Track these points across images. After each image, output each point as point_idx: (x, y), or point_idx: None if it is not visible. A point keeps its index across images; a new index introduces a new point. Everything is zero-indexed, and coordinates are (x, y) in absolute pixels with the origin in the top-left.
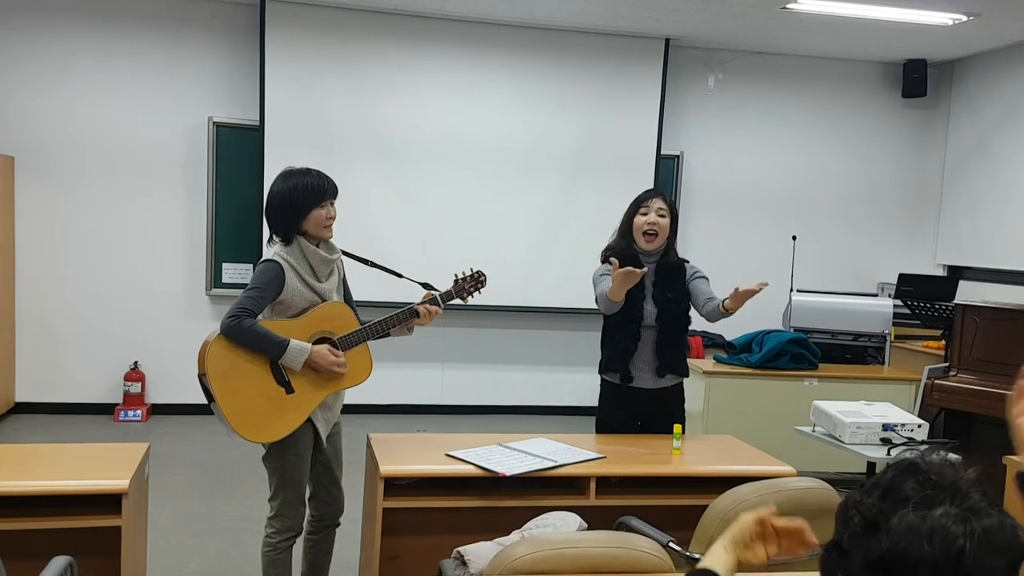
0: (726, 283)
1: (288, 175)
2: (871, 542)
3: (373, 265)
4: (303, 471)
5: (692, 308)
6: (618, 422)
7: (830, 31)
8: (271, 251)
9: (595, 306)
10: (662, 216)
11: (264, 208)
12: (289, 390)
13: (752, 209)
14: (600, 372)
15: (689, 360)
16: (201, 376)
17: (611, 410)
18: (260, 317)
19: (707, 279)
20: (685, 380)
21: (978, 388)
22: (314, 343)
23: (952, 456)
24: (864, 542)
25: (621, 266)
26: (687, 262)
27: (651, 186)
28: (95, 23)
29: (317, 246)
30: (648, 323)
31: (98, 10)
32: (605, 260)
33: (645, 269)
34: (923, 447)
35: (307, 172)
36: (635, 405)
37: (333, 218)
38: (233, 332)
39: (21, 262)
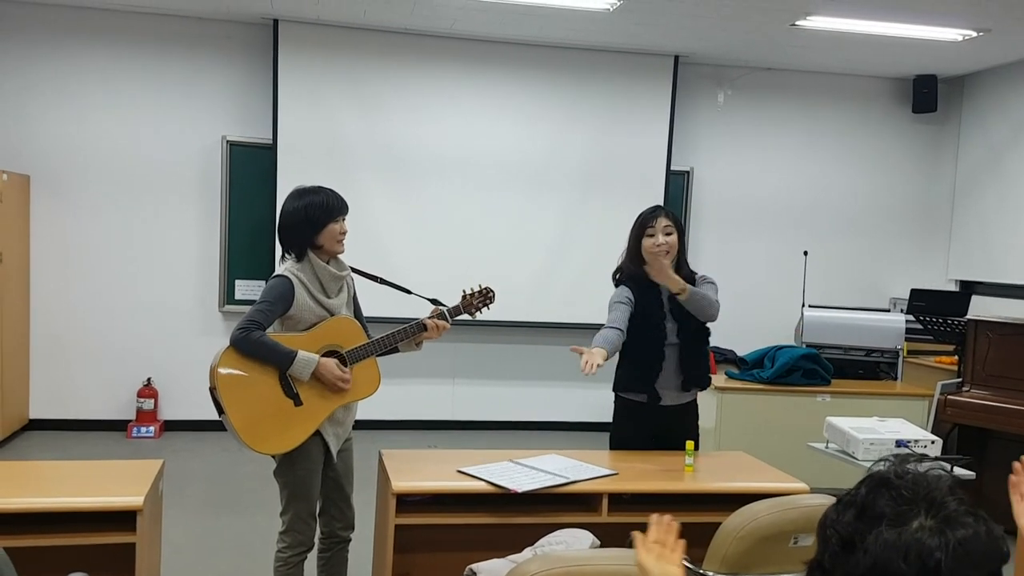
0: (737, 298)
1: (302, 193)
2: (850, 561)
3: (382, 282)
4: (314, 485)
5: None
6: (635, 440)
7: (839, 47)
8: (283, 267)
9: (604, 322)
10: (669, 234)
11: (277, 226)
12: (298, 403)
13: (763, 225)
14: (617, 390)
15: None
16: (212, 390)
17: (627, 427)
18: (270, 331)
19: (714, 284)
20: (698, 396)
21: (992, 404)
22: (323, 356)
23: (961, 470)
24: (844, 562)
25: (635, 286)
26: (697, 274)
27: (660, 201)
28: (110, 43)
29: (327, 263)
30: (671, 341)
31: (112, 31)
32: (618, 283)
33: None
34: (896, 459)
35: (319, 190)
36: (651, 422)
37: (345, 233)
38: (241, 343)
39: (36, 279)
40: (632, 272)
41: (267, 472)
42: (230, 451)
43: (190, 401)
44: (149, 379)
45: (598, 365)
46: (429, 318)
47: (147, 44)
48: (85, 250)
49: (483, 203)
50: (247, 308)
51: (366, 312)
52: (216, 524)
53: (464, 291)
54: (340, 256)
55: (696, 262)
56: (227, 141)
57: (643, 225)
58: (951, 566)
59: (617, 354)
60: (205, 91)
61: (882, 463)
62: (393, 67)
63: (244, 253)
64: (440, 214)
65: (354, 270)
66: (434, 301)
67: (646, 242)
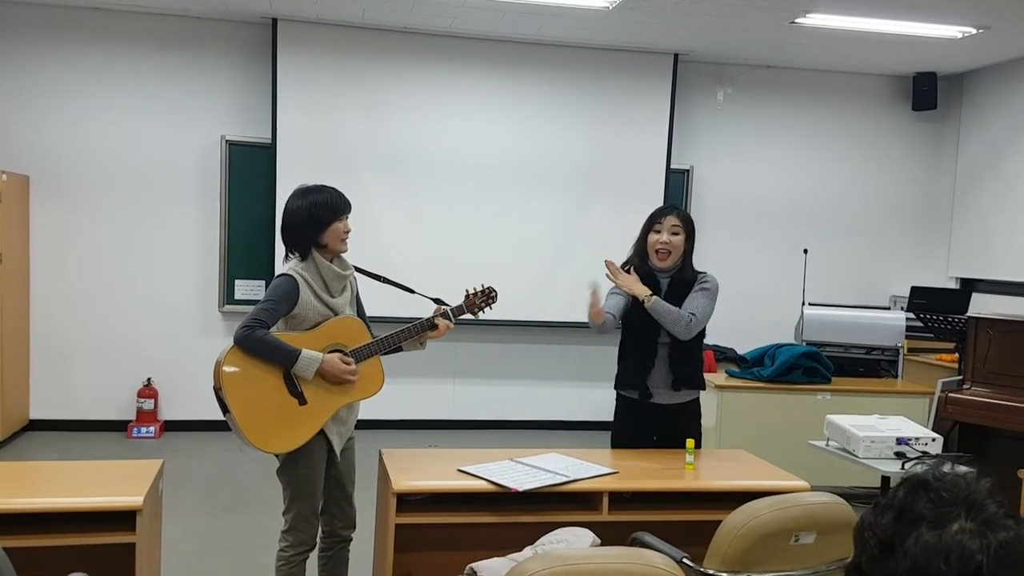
0: (737, 296)
1: (305, 192)
2: (889, 564)
3: (385, 281)
4: (317, 484)
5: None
6: (633, 437)
7: (839, 45)
8: (287, 266)
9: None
10: (675, 234)
11: (281, 226)
12: (302, 401)
13: (763, 223)
14: (616, 387)
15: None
16: (217, 390)
17: (626, 425)
18: (274, 330)
19: (709, 290)
20: (700, 395)
21: (992, 401)
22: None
23: (963, 468)
24: (882, 564)
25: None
26: (700, 275)
27: (661, 200)
28: (109, 43)
29: (331, 262)
30: (663, 339)
31: (111, 30)
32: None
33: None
34: (933, 461)
35: (323, 189)
36: (651, 420)
37: (349, 231)
38: (245, 342)
39: (36, 280)
40: (635, 268)
41: (267, 472)
42: (230, 451)
43: (190, 401)
44: (149, 379)
45: (607, 314)
46: (433, 317)
47: (146, 43)
48: (85, 250)
49: (482, 201)
50: (247, 308)
51: (369, 312)
52: (216, 524)
53: (467, 290)
54: (343, 255)
55: (696, 260)
56: (226, 141)
57: (652, 220)
58: (992, 568)
59: (618, 351)
60: (204, 91)
61: (919, 466)
62: (392, 66)
63: (244, 253)
64: (439, 212)
65: (358, 269)
66: (437, 300)
67: (651, 238)
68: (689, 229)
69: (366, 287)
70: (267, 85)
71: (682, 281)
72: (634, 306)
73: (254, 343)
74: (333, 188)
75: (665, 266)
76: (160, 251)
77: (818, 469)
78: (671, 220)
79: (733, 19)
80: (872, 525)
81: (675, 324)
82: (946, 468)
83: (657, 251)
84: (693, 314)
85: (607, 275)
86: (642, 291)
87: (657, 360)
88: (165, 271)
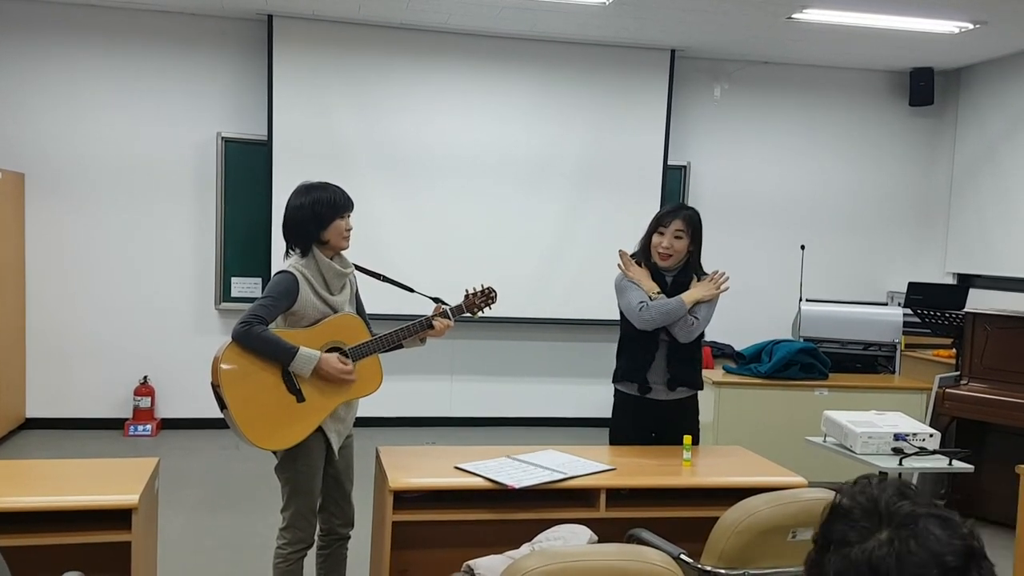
0: (734, 293)
1: (308, 189)
2: None
3: (385, 279)
4: (315, 482)
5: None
6: (631, 434)
7: (836, 40)
8: (287, 263)
9: (603, 317)
10: (678, 238)
11: (283, 222)
12: (300, 399)
13: (760, 219)
14: (615, 382)
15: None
16: (215, 386)
17: (625, 421)
18: (274, 327)
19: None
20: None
21: (990, 396)
22: (326, 352)
23: (876, 476)
24: None
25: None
26: (705, 276)
27: (658, 196)
28: (104, 40)
29: (332, 259)
30: (664, 336)
31: (107, 27)
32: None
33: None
34: (850, 483)
35: (326, 186)
36: (649, 417)
37: (351, 229)
38: (243, 338)
39: (31, 277)
40: (641, 263)
41: (264, 470)
42: (227, 449)
43: (187, 399)
44: (145, 377)
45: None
46: (433, 316)
47: (141, 40)
48: (80, 247)
49: (479, 198)
50: (243, 306)
51: (368, 310)
52: (213, 522)
53: (467, 290)
54: (343, 253)
55: None
56: (222, 137)
57: (657, 222)
58: (903, 572)
59: (618, 346)
60: (200, 87)
61: (838, 494)
62: (388, 62)
63: (240, 250)
64: (436, 209)
65: (358, 267)
66: (436, 300)
67: (655, 239)
68: (695, 232)
69: (365, 285)
70: (263, 82)
71: (684, 281)
72: None
73: (252, 339)
74: (336, 186)
75: (666, 266)
76: (156, 248)
77: (815, 465)
78: (676, 224)
79: (730, 15)
80: (806, 565)
81: (677, 325)
82: (856, 488)
83: (659, 253)
84: (696, 318)
85: (619, 265)
86: (651, 287)
87: (657, 355)
88: (161, 268)
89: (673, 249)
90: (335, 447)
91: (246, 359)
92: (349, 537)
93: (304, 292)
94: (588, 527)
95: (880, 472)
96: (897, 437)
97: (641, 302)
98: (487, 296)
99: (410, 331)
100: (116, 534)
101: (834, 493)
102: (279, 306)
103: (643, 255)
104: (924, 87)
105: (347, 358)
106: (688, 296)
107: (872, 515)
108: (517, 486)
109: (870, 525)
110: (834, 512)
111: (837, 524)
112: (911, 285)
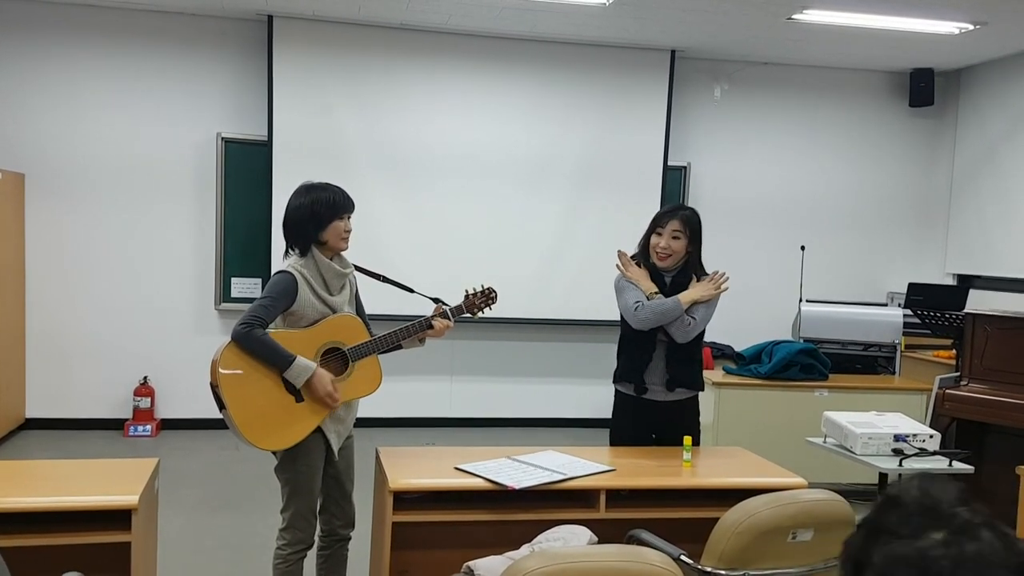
0: (734, 294)
1: (309, 189)
2: None
3: (385, 280)
4: (315, 482)
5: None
6: (632, 434)
7: (836, 41)
8: (287, 263)
9: (603, 317)
10: (675, 238)
11: (283, 222)
12: (299, 399)
13: (760, 219)
14: (615, 382)
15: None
16: (213, 386)
17: (625, 422)
18: (273, 327)
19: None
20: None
21: (990, 397)
22: (324, 353)
23: (958, 465)
24: None
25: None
26: (705, 276)
27: (658, 197)
28: (104, 40)
29: (331, 260)
30: (662, 336)
31: (107, 28)
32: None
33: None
34: (911, 476)
35: (326, 187)
36: (649, 417)
37: (350, 231)
38: (243, 340)
39: (31, 278)
40: (641, 262)
41: (264, 470)
42: (227, 449)
43: (187, 399)
44: (145, 378)
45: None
46: (433, 317)
47: (141, 40)
48: (80, 248)
49: (479, 198)
50: (243, 306)
51: (368, 310)
52: (213, 523)
53: (467, 291)
54: (343, 253)
55: None
56: (222, 138)
57: (655, 223)
58: None
59: (617, 346)
60: (200, 87)
61: (895, 485)
62: (388, 63)
63: (240, 251)
64: (436, 209)
65: (358, 268)
66: (436, 300)
67: (653, 239)
68: (693, 232)
69: (365, 285)
70: (263, 82)
71: (683, 282)
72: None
73: (252, 342)
74: (337, 186)
75: (665, 267)
76: (156, 249)
77: (815, 466)
78: (673, 225)
79: (730, 15)
80: (847, 546)
81: (674, 325)
82: (916, 483)
83: (656, 253)
84: (693, 318)
85: (617, 265)
86: (649, 287)
87: (655, 356)
88: (161, 269)
89: (671, 249)
90: (335, 447)
91: (245, 360)
92: (350, 538)
93: (303, 292)
94: (588, 528)
95: (938, 473)
96: (897, 438)
97: (637, 302)
98: (487, 296)
99: (409, 332)
100: (116, 534)
101: (890, 482)
102: (278, 306)
103: (643, 255)
104: (924, 88)
105: (347, 360)
106: (685, 296)
107: (929, 514)
108: (517, 487)
109: (925, 523)
110: (890, 501)
111: (891, 514)
112: (911, 286)
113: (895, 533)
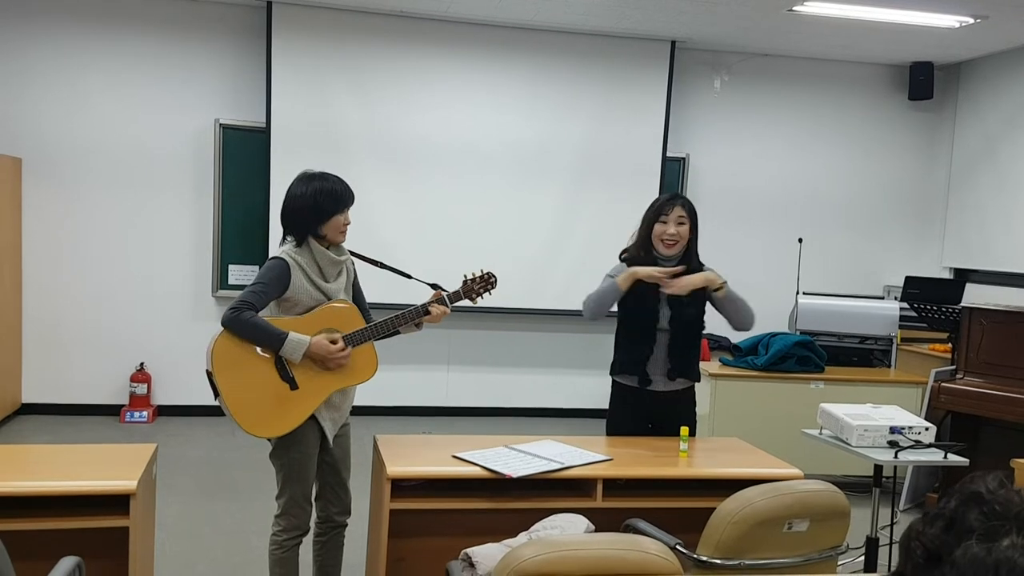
0: (732, 285)
1: (310, 178)
2: (934, 575)
3: (382, 266)
4: (309, 469)
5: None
6: (629, 425)
7: (836, 33)
8: (281, 249)
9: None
10: (681, 224)
11: (282, 209)
12: (294, 386)
13: (758, 211)
14: (612, 374)
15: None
16: (208, 373)
17: (622, 413)
18: (268, 315)
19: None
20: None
21: (985, 391)
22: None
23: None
24: (928, 575)
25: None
26: (704, 267)
27: (657, 188)
28: (102, 26)
29: (327, 247)
30: (662, 326)
31: (105, 13)
32: (625, 263)
33: (680, 268)
34: (989, 477)
35: (327, 177)
36: (646, 408)
37: (349, 223)
38: (232, 324)
39: (28, 263)
40: (638, 259)
41: (260, 457)
42: (223, 436)
43: (183, 386)
44: (142, 364)
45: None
46: (430, 303)
47: (140, 26)
48: (77, 233)
49: (477, 187)
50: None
51: (366, 296)
52: (210, 509)
53: (465, 276)
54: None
55: None
56: (220, 124)
57: (658, 212)
58: None
59: (615, 338)
60: (198, 74)
61: (972, 481)
62: (388, 50)
63: (237, 238)
64: (434, 198)
65: (354, 254)
66: (434, 286)
67: (657, 228)
68: (693, 219)
69: (362, 272)
70: (261, 69)
71: (689, 272)
72: (633, 292)
73: (241, 325)
74: (337, 177)
75: (671, 254)
76: (153, 235)
77: (811, 457)
78: (678, 211)
79: (730, 6)
80: (920, 534)
81: (748, 315)
82: (998, 484)
83: (664, 241)
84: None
85: (662, 289)
86: (712, 282)
87: (656, 347)
88: (158, 255)
89: (680, 235)
90: (329, 435)
91: (240, 347)
92: (346, 525)
93: (297, 278)
94: (585, 517)
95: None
96: (893, 430)
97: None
98: (486, 281)
99: (406, 318)
100: (114, 519)
101: (974, 477)
102: (270, 292)
103: (643, 247)
104: (924, 81)
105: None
106: (623, 277)
107: (1008, 517)
108: (514, 475)
109: (1002, 525)
110: (974, 498)
111: (972, 511)
112: (908, 279)
113: (975, 531)
